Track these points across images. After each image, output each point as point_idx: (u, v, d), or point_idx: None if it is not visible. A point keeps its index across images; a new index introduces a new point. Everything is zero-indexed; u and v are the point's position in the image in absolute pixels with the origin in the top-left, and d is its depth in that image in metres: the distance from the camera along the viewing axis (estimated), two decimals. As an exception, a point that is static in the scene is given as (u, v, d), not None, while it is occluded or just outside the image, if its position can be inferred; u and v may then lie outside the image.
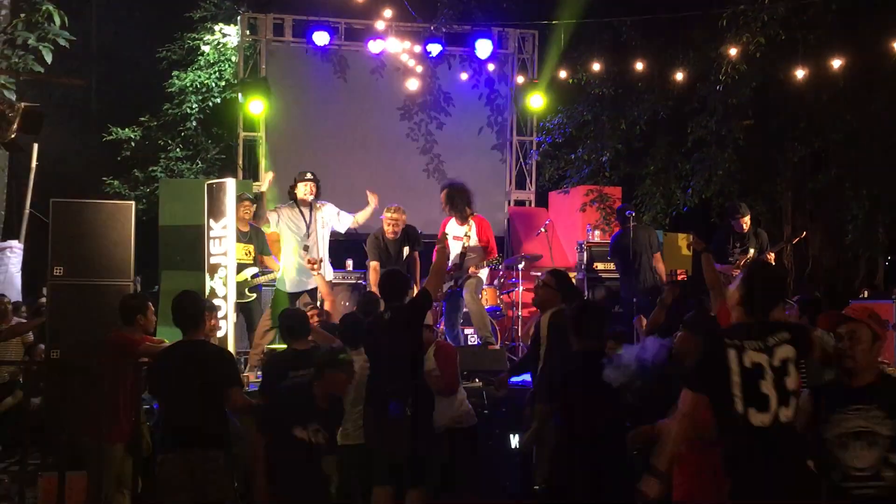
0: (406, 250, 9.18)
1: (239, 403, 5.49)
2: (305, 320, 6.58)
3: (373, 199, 9.03)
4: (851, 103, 12.89)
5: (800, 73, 11.84)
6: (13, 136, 8.11)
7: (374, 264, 9.09)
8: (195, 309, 5.58)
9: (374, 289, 8.77)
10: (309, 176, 8.81)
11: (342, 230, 9.10)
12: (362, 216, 9.03)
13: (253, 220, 9.08)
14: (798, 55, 12.19)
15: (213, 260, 8.40)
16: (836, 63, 11.55)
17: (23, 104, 8.28)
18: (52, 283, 7.80)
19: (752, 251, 9.33)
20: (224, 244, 8.39)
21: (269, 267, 9.35)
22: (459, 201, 9.07)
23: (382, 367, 5.92)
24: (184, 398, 5.32)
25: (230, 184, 8.56)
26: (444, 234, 8.09)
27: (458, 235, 9.10)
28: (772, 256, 9.30)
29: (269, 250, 9.56)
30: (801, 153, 13.65)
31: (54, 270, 7.76)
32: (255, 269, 9.16)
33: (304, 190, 8.73)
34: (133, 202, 9.02)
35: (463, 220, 9.07)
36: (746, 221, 9.51)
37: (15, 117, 7.94)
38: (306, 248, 8.63)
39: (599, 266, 11.20)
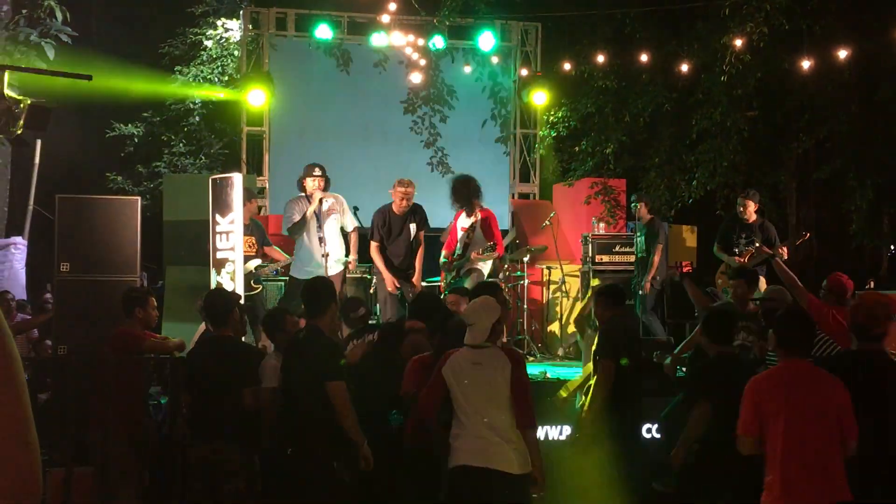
0: (413, 228, 9.15)
1: (247, 402, 5.51)
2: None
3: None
4: (856, 94, 12.85)
5: (805, 64, 11.77)
6: (19, 131, 8.08)
7: (374, 245, 9.04)
8: (223, 306, 5.64)
9: (379, 266, 8.83)
10: (317, 171, 8.92)
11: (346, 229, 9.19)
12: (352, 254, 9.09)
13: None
14: (803, 46, 12.12)
15: (219, 255, 8.39)
16: (842, 54, 11.47)
17: (29, 100, 8.26)
18: (59, 280, 7.80)
19: (757, 243, 9.29)
20: (231, 239, 8.38)
21: (274, 257, 9.35)
22: (461, 194, 9.07)
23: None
24: (207, 393, 5.43)
25: (237, 178, 8.56)
26: None
27: (465, 227, 9.11)
28: (785, 251, 9.22)
29: (270, 241, 9.57)
30: (805, 144, 13.59)
31: (60, 267, 7.76)
32: (258, 261, 9.16)
33: (312, 185, 8.87)
34: (139, 197, 9.03)
35: (470, 212, 9.07)
36: (749, 211, 9.49)
37: (21, 113, 7.90)
38: (321, 241, 8.72)
39: (604, 258, 11.18)
